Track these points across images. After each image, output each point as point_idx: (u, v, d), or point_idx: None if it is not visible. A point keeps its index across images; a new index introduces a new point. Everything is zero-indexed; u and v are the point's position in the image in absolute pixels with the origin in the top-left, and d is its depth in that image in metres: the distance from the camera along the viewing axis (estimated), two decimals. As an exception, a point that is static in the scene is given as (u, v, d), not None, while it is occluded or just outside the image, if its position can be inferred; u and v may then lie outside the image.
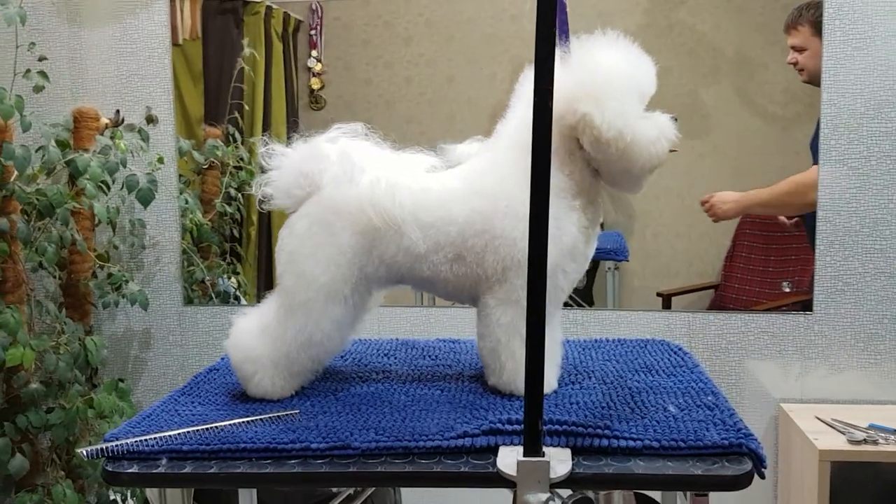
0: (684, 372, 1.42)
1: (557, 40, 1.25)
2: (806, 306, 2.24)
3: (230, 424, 1.20)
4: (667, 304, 2.38)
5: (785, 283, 2.32)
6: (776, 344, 2.24)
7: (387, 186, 1.25)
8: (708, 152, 2.33)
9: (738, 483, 1.06)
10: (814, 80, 2.20)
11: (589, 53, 1.26)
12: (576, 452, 1.11)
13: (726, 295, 2.36)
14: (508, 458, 1.07)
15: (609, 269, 2.45)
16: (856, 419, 2.04)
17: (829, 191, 2.17)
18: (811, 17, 2.16)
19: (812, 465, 1.92)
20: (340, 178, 1.25)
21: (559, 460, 1.08)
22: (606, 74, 1.23)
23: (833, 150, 2.16)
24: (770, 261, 2.34)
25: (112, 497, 2.25)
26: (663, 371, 1.43)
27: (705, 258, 2.39)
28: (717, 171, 2.33)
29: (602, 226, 2.43)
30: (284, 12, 2.49)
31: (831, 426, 2.02)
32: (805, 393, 2.24)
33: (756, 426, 2.26)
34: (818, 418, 2.08)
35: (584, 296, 2.45)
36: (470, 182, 1.28)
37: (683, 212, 2.36)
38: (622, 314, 2.31)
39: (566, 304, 2.38)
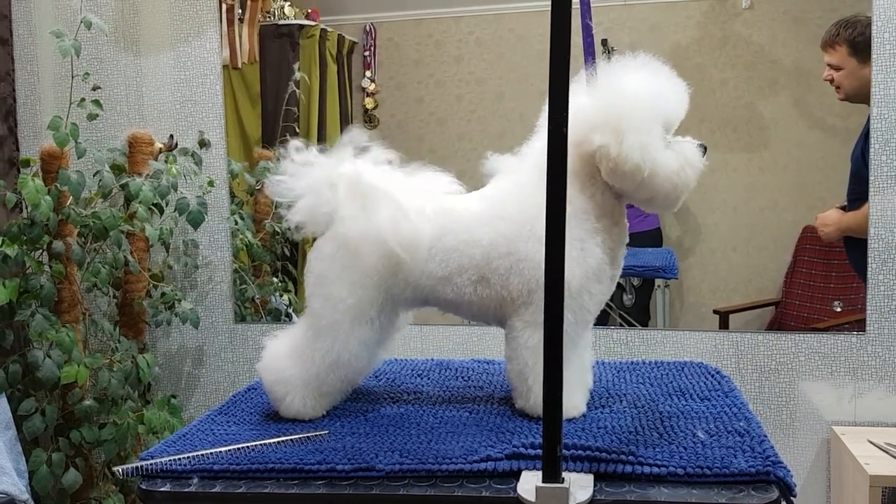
0: (719, 396, 1.40)
1: (584, 62, 1.25)
2: (860, 326, 2.18)
3: (260, 445, 1.23)
4: (724, 322, 2.33)
5: (836, 303, 2.26)
6: (828, 365, 2.18)
7: (405, 217, 1.26)
8: (767, 165, 2.29)
9: (762, 512, 1.04)
10: (850, 98, 2.16)
11: (614, 78, 1.24)
12: (599, 478, 1.10)
13: (787, 312, 2.30)
14: (528, 484, 1.07)
15: (659, 286, 2.42)
16: (911, 444, 1.97)
17: (880, 207, 2.11)
18: (848, 37, 2.12)
19: (863, 490, 1.86)
20: (354, 207, 1.27)
21: (580, 486, 1.07)
22: (628, 104, 1.21)
23: (884, 166, 2.10)
24: (831, 277, 2.27)
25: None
26: (697, 395, 1.41)
27: (764, 274, 2.34)
28: (776, 185, 2.29)
29: (662, 241, 2.41)
30: (339, 34, 2.54)
31: (884, 450, 1.95)
32: (858, 416, 2.17)
33: (807, 450, 2.20)
34: (871, 442, 2.01)
35: (639, 314, 2.41)
36: (493, 205, 1.29)
37: (740, 226, 2.32)
38: (668, 334, 2.28)
39: (611, 324, 2.37)
